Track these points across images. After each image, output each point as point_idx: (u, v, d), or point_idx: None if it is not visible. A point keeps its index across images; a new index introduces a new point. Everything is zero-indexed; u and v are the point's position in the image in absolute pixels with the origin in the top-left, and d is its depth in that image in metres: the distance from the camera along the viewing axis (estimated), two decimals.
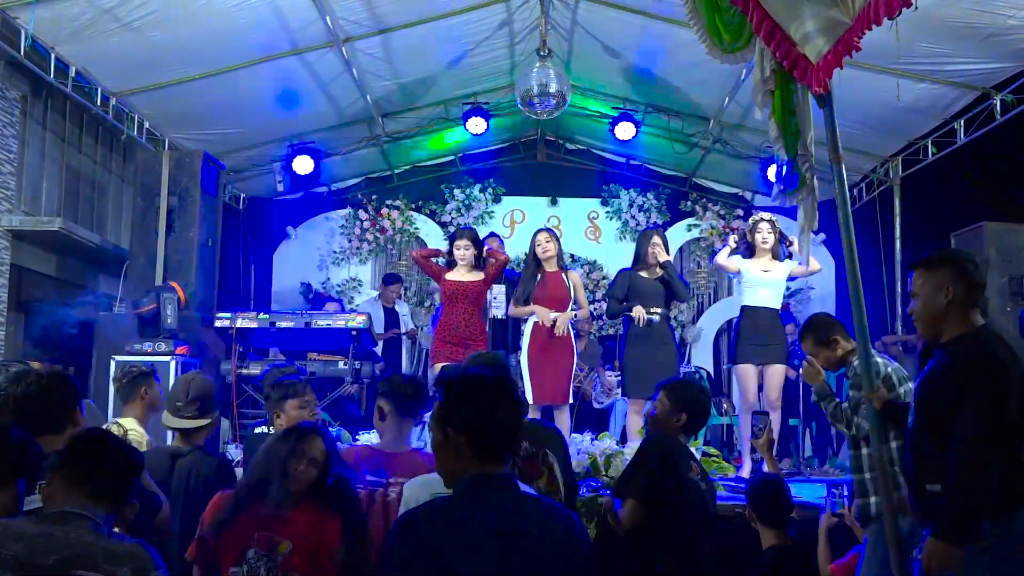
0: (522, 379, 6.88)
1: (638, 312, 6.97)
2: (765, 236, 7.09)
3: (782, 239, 7.21)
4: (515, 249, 10.38)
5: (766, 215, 7.30)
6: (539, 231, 7.32)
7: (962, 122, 8.10)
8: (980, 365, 3.14)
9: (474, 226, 10.56)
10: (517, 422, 2.35)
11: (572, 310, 7.05)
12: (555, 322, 6.88)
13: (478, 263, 7.16)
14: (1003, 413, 3.07)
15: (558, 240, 7.26)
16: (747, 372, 6.98)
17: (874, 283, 9.30)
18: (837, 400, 4.40)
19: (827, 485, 4.67)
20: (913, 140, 8.88)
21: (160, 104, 8.04)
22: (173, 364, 6.82)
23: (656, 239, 7.22)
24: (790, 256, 7.27)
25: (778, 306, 7.12)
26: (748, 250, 7.24)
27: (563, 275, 7.14)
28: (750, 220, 7.39)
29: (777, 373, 7.00)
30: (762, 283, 7.05)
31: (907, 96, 7.53)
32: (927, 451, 3.28)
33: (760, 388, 7.07)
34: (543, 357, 6.91)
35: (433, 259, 7.34)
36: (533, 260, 7.17)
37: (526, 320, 7.13)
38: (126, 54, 7.10)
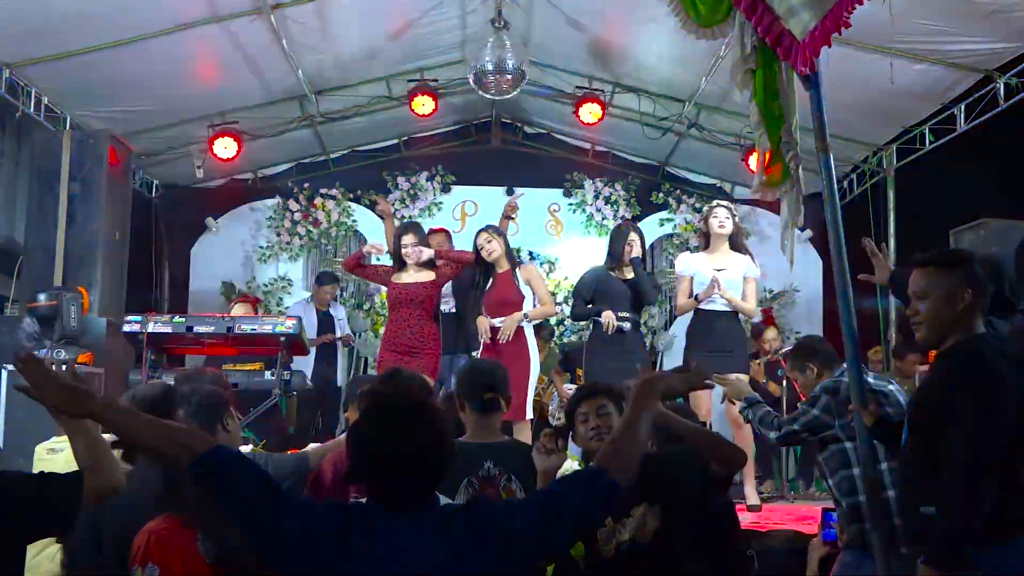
0: None
1: (608, 318, 7.00)
2: (722, 220, 7.19)
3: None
4: (467, 245, 10.30)
5: (724, 202, 7.43)
6: (479, 231, 7.34)
7: (962, 107, 8.23)
8: (972, 376, 3.18)
9: (420, 219, 10.56)
10: (408, 462, 2.37)
11: (524, 312, 7.08)
12: (497, 330, 6.92)
13: (427, 262, 7.18)
14: (997, 429, 3.11)
15: (502, 235, 7.28)
16: None
17: (865, 285, 9.41)
18: (768, 408, 4.63)
19: (823, 510, 4.73)
20: (909, 127, 9.01)
21: (61, 77, 7.92)
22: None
23: (634, 237, 7.27)
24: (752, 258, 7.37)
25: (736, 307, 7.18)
26: (705, 241, 7.34)
27: (514, 273, 7.16)
28: (705, 208, 7.52)
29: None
30: None
31: (902, 78, 7.63)
32: (920, 471, 3.32)
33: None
34: None
35: (363, 260, 7.36)
36: (481, 264, 7.20)
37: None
38: (21, 20, 6.98)
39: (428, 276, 7.16)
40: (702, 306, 7.14)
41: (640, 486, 3.54)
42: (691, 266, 7.26)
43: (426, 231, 7.77)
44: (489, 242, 7.16)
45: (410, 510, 2.36)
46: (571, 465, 6.20)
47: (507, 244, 7.28)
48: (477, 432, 3.95)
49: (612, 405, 3.79)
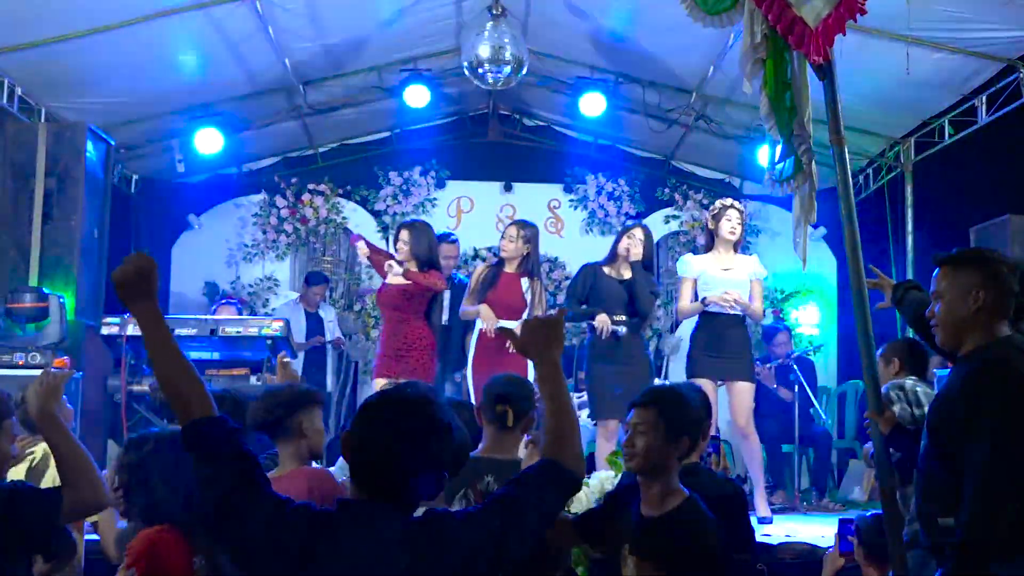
0: (470, 398, 6.90)
1: (602, 322, 6.99)
2: (735, 225, 7.18)
3: None
4: (463, 243, 10.33)
5: (736, 203, 7.40)
6: (513, 223, 7.38)
7: (984, 98, 8.23)
8: (996, 380, 3.18)
9: (414, 216, 10.57)
10: (392, 454, 2.43)
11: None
12: (507, 332, 6.90)
13: (424, 262, 7.14)
14: (1019, 437, 3.11)
15: (532, 241, 7.28)
16: (704, 389, 6.84)
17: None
18: None
19: (840, 521, 4.74)
20: (927, 119, 9.01)
21: (35, 66, 7.92)
22: None
23: (636, 232, 7.24)
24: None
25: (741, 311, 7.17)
26: (710, 240, 7.32)
27: (522, 280, 7.16)
28: (716, 204, 7.45)
29: (744, 393, 7.03)
30: (725, 285, 7.11)
31: (920, 68, 7.63)
32: (939, 480, 3.32)
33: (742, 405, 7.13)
34: (489, 374, 6.92)
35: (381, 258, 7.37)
36: (499, 256, 7.26)
37: (473, 329, 7.18)
38: None
39: (402, 280, 7.14)
40: (707, 309, 7.14)
41: (643, 543, 3.52)
42: (695, 267, 7.24)
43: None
44: (512, 241, 7.18)
45: (382, 512, 2.41)
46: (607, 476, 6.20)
47: (533, 252, 7.28)
48: (491, 447, 4.00)
49: (662, 423, 3.49)
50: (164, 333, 2.55)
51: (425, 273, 7.11)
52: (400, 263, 7.12)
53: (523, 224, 7.37)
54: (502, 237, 7.30)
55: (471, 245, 10.72)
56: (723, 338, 7.04)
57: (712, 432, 6.14)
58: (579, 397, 9.31)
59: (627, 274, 7.17)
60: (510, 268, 7.20)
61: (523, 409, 4.09)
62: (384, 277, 7.28)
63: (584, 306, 7.17)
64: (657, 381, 8.28)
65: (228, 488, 2.36)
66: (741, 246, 7.36)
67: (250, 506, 2.36)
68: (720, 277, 7.12)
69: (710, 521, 3.39)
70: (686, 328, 11.10)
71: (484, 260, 9.87)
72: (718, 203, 7.40)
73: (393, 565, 2.34)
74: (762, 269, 7.33)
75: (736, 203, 7.38)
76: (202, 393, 2.48)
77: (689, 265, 7.29)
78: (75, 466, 3.19)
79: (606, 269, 7.24)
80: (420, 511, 2.53)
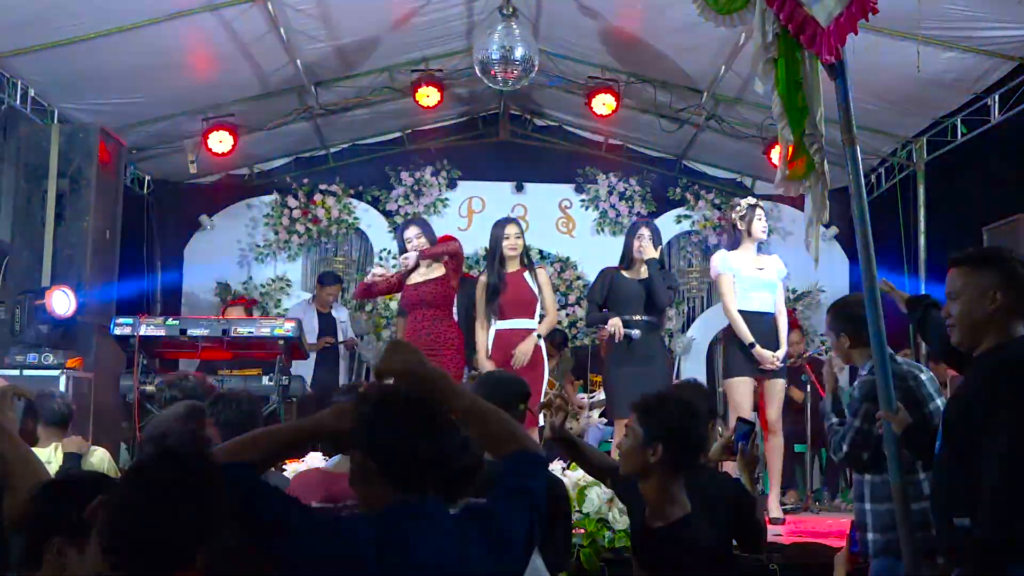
0: None
1: (614, 326, 7.01)
2: (765, 224, 7.23)
3: None
4: (474, 243, 10.36)
5: (760, 202, 7.41)
6: (508, 222, 7.36)
7: (996, 97, 8.20)
8: (1013, 380, 3.17)
9: (426, 216, 10.59)
10: (439, 450, 2.43)
11: (536, 328, 7.12)
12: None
13: (438, 257, 7.19)
14: None
15: (523, 236, 7.36)
16: (740, 386, 6.98)
17: (894, 283, 9.38)
18: (834, 421, 4.42)
19: (852, 522, 4.72)
20: (940, 118, 8.99)
21: (48, 68, 7.95)
22: (64, 379, 6.78)
23: (644, 231, 7.26)
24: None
25: (775, 309, 7.18)
26: (736, 239, 7.31)
27: (525, 275, 7.18)
28: (742, 203, 7.41)
29: (777, 389, 7.06)
30: (759, 284, 7.12)
31: (932, 67, 7.61)
32: (955, 480, 3.30)
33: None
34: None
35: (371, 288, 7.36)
36: (498, 260, 7.18)
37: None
38: (5, 8, 7.00)
39: (438, 272, 7.18)
40: (743, 308, 7.09)
41: (641, 552, 3.52)
42: (730, 263, 7.22)
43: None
44: (519, 237, 7.20)
45: (431, 508, 2.39)
46: (583, 474, 6.22)
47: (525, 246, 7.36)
48: None
49: (639, 427, 3.60)
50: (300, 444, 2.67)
51: (435, 243, 7.25)
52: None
53: (516, 222, 7.42)
54: (505, 239, 7.22)
55: (482, 245, 10.70)
56: (761, 336, 7.03)
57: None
58: (591, 398, 9.33)
59: (644, 273, 7.18)
60: (512, 267, 7.18)
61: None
62: (398, 288, 7.28)
63: (604, 309, 7.21)
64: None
65: (277, 529, 2.30)
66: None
67: (308, 537, 2.30)
68: (755, 276, 7.14)
69: (703, 542, 3.39)
70: (697, 328, 11.15)
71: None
72: (744, 203, 7.35)
73: (462, 558, 2.34)
74: (784, 268, 7.36)
75: (760, 202, 7.41)
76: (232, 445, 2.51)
77: (724, 260, 7.25)
78: (14, 466, 3.06)
79: (624, 272, 7.26)
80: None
